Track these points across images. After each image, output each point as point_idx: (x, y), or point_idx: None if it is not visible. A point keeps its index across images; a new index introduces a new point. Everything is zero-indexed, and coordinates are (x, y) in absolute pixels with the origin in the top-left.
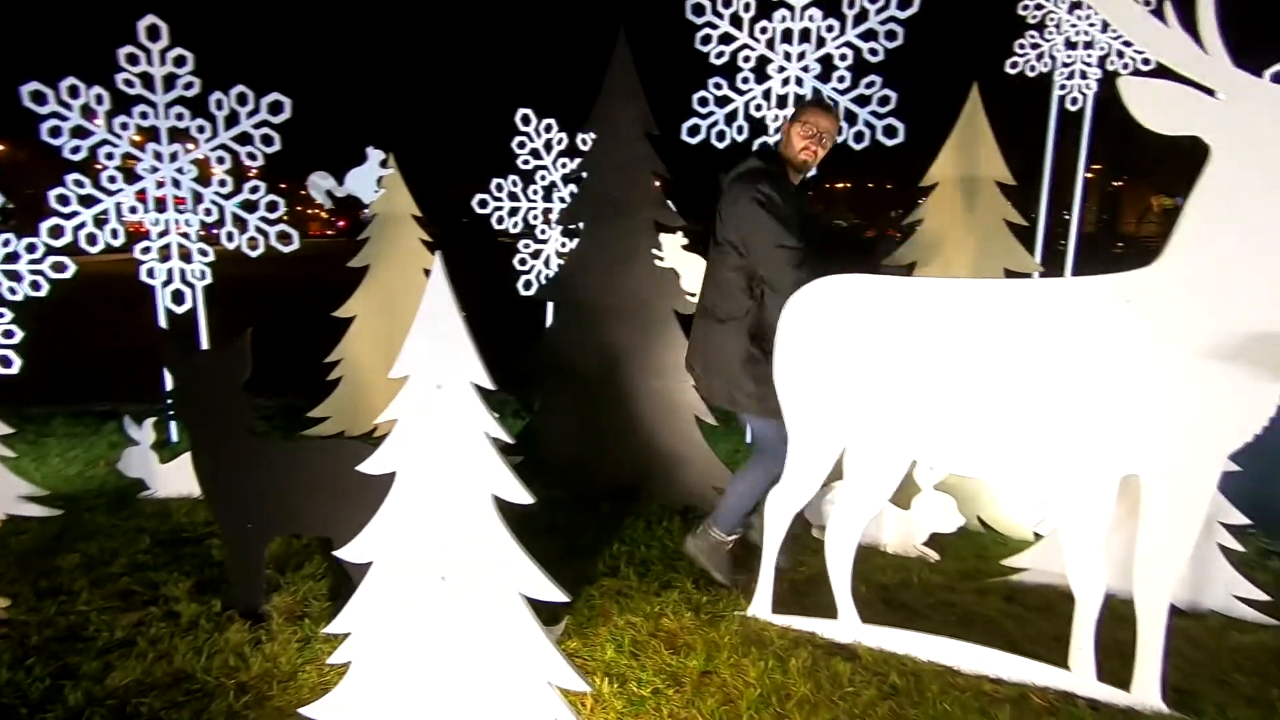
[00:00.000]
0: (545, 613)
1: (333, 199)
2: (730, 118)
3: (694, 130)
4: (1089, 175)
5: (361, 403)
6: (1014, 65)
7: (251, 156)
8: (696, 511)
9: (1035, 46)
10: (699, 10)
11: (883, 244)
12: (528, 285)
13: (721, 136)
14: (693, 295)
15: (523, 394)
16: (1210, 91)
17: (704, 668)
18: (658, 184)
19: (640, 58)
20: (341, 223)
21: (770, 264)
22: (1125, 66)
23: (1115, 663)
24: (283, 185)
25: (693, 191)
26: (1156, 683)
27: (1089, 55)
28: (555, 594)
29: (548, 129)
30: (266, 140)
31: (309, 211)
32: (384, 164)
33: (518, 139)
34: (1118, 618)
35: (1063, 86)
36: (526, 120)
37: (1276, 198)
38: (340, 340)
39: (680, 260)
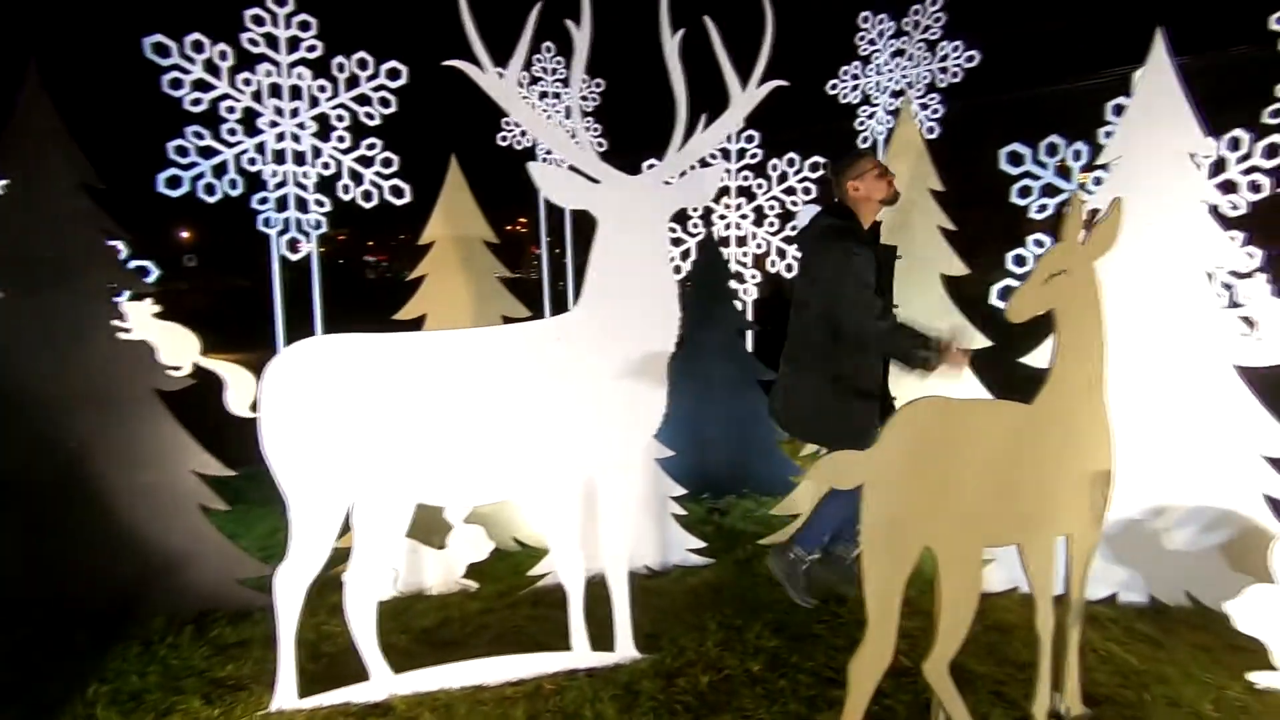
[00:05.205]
0: None
1: None
2: (219, 170)
3: (174, 182)
4: None
5: None
6: (504, 139)
7: None
8: (216, 615)
9: (518, 124)
10: (162, 50)
11: None
12: None
13: (211, 190)
14: (176, 369)
15: None
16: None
17: None
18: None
19: (76, 96)
20: None
21: (854, 318)
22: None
23: (608, 630)
24: None
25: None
26: (630, 636)
27: (573, 135)
28: None
29: None
30: None
31: None
32: None
33: None
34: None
35: (543, 158)
36: None
37: (635, 255)
38: None
39: (154, 330)
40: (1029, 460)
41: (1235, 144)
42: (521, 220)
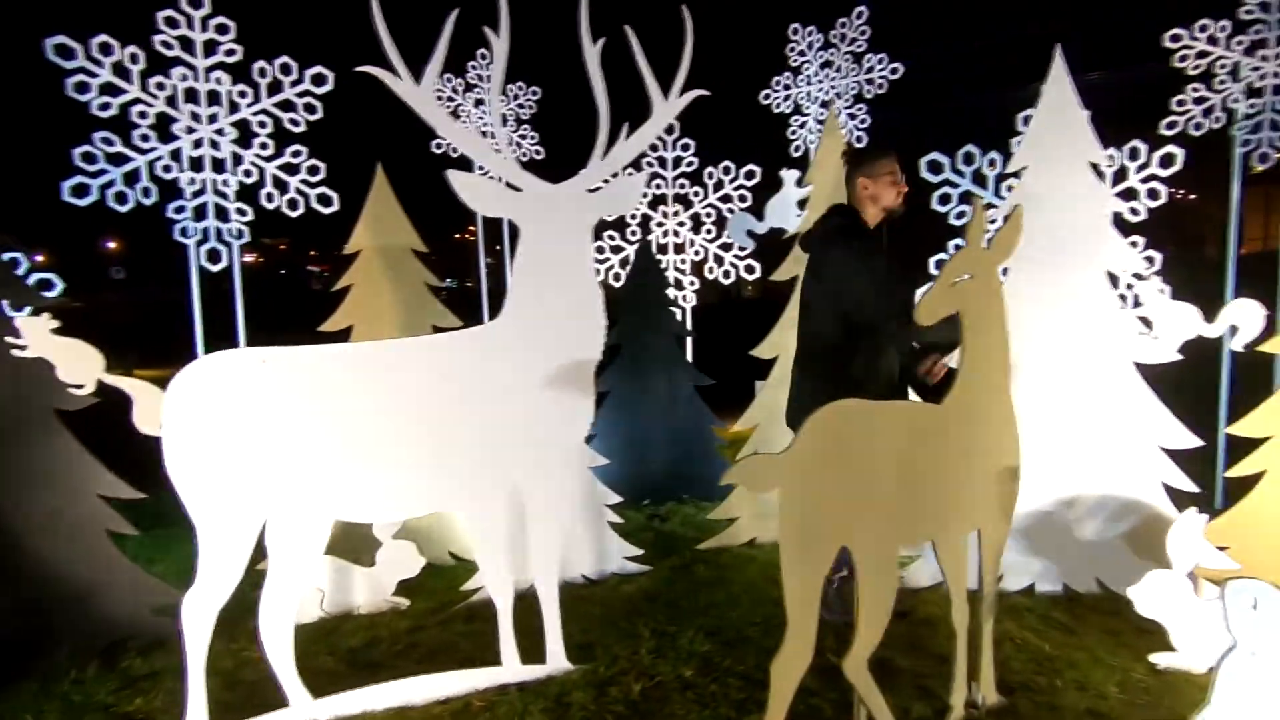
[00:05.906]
0: None
1: None
2: (131, 178)
3: (81, 190)
4: None
5: None
6: (439, 146)
7: None
8: (130, 645)
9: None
10: (65, 53)
11: None
12: None
13: (122, 199)
14: (79, 387)
15: None
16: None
17: None
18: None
19: None
20: None
21: (868, 316)
22: (523, 155)
23: (541, 643)
24: None
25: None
26: (561, 647)
27: (494, 143)
28: None
29: None
30: None
31: None
32: None
33: None
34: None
35: (481, 168)
36: None
37: (559, 263)
38: None
39: (52, 347)
40: (939, 459)
41: (1134, 153)
42: (470, 229)
